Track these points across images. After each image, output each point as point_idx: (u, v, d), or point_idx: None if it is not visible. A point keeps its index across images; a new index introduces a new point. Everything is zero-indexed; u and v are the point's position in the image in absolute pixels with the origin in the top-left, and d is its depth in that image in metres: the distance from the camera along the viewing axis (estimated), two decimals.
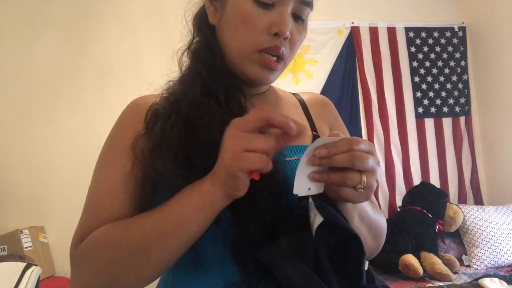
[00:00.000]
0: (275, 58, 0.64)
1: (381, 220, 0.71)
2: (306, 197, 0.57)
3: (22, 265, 1.21)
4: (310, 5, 0.65)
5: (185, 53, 0.71)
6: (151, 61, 2.54)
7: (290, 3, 0.62)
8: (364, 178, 0.50)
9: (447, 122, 2.99)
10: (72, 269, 0.59)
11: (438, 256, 2.29)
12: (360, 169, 0.49)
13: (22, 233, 2.21)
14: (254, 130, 0.47)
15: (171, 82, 0.69)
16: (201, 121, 0.59)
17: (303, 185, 0.51)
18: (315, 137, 0.73)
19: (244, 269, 0.56)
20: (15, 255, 1.99)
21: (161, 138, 0.60)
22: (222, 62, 0.66)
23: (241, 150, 0.46)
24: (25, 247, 2.18)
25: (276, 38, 0.62)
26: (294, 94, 0.83)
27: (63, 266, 2.38)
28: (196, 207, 0.51)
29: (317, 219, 0.52)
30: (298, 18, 0.65)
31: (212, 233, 0.56)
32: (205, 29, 0.69)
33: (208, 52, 0.67)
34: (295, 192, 0.51)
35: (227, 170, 0.47)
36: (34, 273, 1.19)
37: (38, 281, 1.21)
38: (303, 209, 0.56)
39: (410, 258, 2.17)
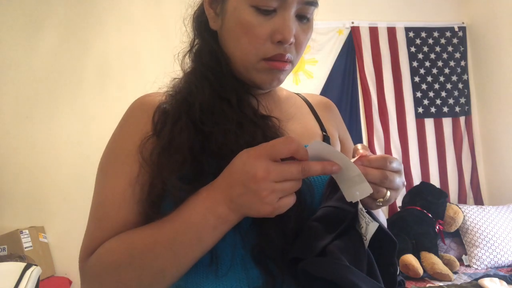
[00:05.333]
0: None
1: (384, 220, 0.73)
2: (329, 199, 0.57)
3: (22, 265, 1.20)
4: (314, 3, 0.62)
5: (187, 55, 0.69)
6: (151, 61, 2.55)
7: (292, 6, 0.59)
8: (388, 194, 0.53)
9: (447, 122, 2.99)
10: (82, 282, 0.58)
11: (438, 256, 2.29)
12: (387, 187, 0.53)
13: (22, 233, 2.21)
14: (279, 159, 0.49)
15: (176, 80, 0.67)
16: (216, 127, 0.57)
17: (351, 191, 0.52)
18: (325, 137, 0.73)
19: (267, 273, 0.54)
20: (15, 255, 1.99)
21: (169, 141, 0.57)
22: (228, 69, 0.64)
23: (278, 199, 0.48)
24: (25, 247, 2.17)
25: (280, 45, 0.60)
26: (297, 94, 0.82)
27: (63, 266, 2.38)
28: (212, 228, 0.51)
29: (370, 227, 0.51)
30: (303, 17, 0.62)
31: (231, 237, 0.55)
32: (206, 34, 0.67)
33: (212, 58, 0.65)
34: (348, 200, 0.52)
35: (263, 215, 0.49)
36: (34, 273, 1.19)
37: (38, 281, 1.21)
38: (329, 208, 0.56)
39: (410, 258, 2.17)
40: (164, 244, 0.51)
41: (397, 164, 0.53)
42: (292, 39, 0.60)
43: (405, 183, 0.58)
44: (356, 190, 0.51)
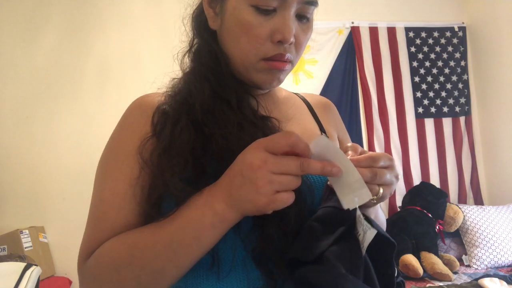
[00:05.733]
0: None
1: (384, 219, 0.73)
2: (328, 200, 0.56)
3: (22, 265, 1.20)
4: (314, 3, 0.61)
5: (186, 55, 0.69)
6: (151, 61, 2.55)
7: (292, 6, 0.59)
8: (381, 191, 0.53)
9: (447, 122, 2.99)
10: (81, 284, 0.57)
11: (438, 256, 2.29)
12: (378, 183, 0.52)
13: (22, 233, 2.21)
14: (279, 153, 0.48)
15: (175, 80, 0.67)
16: (217, 129, 0.57)
17: (349, 197, 0.50)
18: None
19: (267, 274, 0.54)
20: (15, 255, 1.99)
21: (170, 142, 0.57)
22: (227, 69, 0.64)
23: (275, 192, 0.47)
24: (25, 247, 2.17)
25: (280, 45, 0.60)
26: (296, 94, 0.82)
27: (63, 266, 2.38)
28: (211, 227, 0.50)
29: (368, 235, 0.50)
30: (303, 17, 0.62)
31: (231, 239, 0.54)
32: (205, 34, 0.67)
33: (211, 58, 0.65)
34: (345, 207, 0.50)
35: (258, 209, 0.48)
36: (34, 273, 1.19)
37: (38, 281, 1.21)
38: (328, 208, 0.55)
39: (410, 258, 2.17)
40: (163, 243, 0.51)
41: (385, 160, 0.53)
42: (292, 39, 0.60)
43: (398, 177, 0.56)
44: (355, 196, 0.49)
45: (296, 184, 0.48)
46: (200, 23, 0.68)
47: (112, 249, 0.55)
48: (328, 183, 0.54)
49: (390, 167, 0.54)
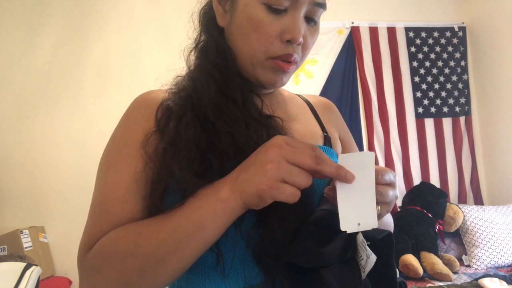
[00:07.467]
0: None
1: (389, 219, 0.72)
2: (326, 202, 0.55)
3: (22, 265, 1.21)
4: (323, 6, 0.63)
5: (192, 52, 0.69)
6: (151, 61, 2.55)
7: (303, 7, 0.60)
8: (379, 208, 0.51)
9: (447, 122, 2.99)
10: (81, 277, 0.56)
11: (438, 256, 2.29)
12: (377, 201, 0.51)
13: (22, 233, 2.21)
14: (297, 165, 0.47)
15: (179, 77, 0.67)
16: (222, 125, 0.57)
17: (351, 220, 0.47)
18: (326, 138, 0.73)
19: (266, 272, 0.54)
20: (15, 255, 1.99)
21: (175, 137, 0.57)
22: (234, 66, 0.65)
23: (281, 180, 0.46)
24: (25, 247, 2.18)
25: (288, 44, 0.61)
26: (298, 95, 0.83)
27: (63, 266, 2.39)
28: (213, 214, 0.50)
29: (370, 260, 0.48)
30: (311, 20, 0.63)
31: (233, 236, 0.54)
32: (213, 31, 0.67)
33: (219, 55, 0.65)
34: (343, 228, 0.47)
35: (258, 192, 0.47)
36: (34, 273, 1.19)
37: (38, 281, 1.21)
38: (326, 211, 0.53)
39: (410, 258, 2.18)
40: (168, 231, 0.50)
41: (389, 176, 0.52)
42: (300, 39, 0.61)
43: (398, 196, 0.54)
44: (358, 220, 0.47)
45: (306, 181, 0.47)
46: (209, 20, 0.69)
47: (117, 238, 0.54)
48: (325, 193, 0.51)
49: (393, 184, 0.53)
